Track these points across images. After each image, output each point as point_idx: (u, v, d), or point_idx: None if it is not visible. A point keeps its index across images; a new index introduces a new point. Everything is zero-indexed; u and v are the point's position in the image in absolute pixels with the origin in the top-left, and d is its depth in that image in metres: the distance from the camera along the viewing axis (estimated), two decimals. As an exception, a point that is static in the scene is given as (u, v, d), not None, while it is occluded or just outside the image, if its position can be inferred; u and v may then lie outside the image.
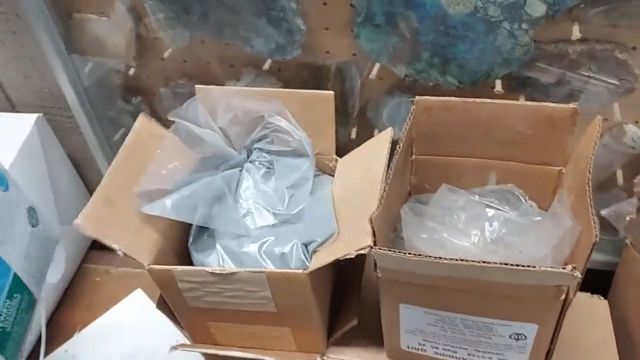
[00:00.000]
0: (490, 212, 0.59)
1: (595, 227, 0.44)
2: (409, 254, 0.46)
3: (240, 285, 0.57)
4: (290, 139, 0.64)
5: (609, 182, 0.70)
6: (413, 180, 0.68)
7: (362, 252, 0.51)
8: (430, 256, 0.45)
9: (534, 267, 0.43)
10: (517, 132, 0.59)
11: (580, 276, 0.42)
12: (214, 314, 0.63)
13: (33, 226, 0.75)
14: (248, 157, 0.68)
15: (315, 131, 0.65)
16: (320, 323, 0.63)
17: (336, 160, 0.67)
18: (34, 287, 0.68)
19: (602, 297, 0.70)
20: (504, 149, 0.62)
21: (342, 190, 0.62)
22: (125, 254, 0.57)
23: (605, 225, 0.72)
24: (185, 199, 0.60)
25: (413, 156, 0.66)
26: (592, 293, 0.71)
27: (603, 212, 0.66)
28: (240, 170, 0.66)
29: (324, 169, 0.68)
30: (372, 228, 0.49)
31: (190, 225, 0.64)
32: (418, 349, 0.61)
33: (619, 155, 0.66)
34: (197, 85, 0.67)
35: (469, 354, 0.59)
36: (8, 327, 0.63)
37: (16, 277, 0.65)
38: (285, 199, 0.62)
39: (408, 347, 0.61)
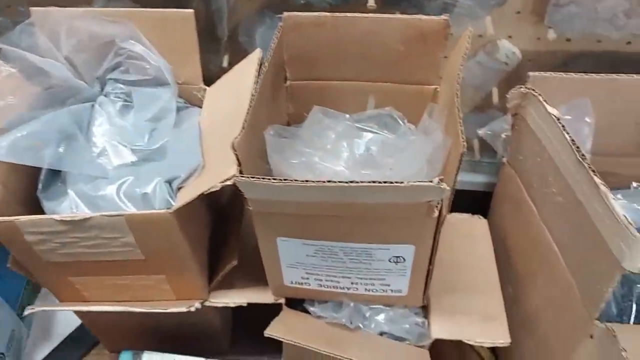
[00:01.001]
0: (367, 135, 0.56)
1: (462, 137, 0.42)
2: (274, 179, 0.42)
3: (97, 232, 0.51)
4: (147, 66, 0.56)
5: (485, 102, 0.70)
6: (291, 109, 0.64)
7: (227, 182, 0.46)
8: (296, 180, 0.42)
9: (402, 183, 0.40)
10: (391, 49, 0.56)
11: (448, 188, 0.40)
12: (74, 267, 0.56)
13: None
14: (102, 89, 0.60)
15: (177, 57, 0.59)
16: (197, 267, 0.58)
17: (204, 90, 0.61)
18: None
19: (482, 217, 0.72)
20: (379, 69, 0.59)
21: (210, 121, 0.56)
22: (-50, 207, 0.48)
23: (485, 146, 0.72)
24: (24, 139, 0.52)
25: (288, 82, 0.61)
26: (473, 214, 0.72)
27: (480, 132, 0.65)
28: (93, 105, 0.58)
29: (192, 100, 0.62)
30: (236, 155, 0.45)
31: (39, 170, 0.55)
32: (302, 283, 0.59)
33: (493, 73, 0.65)
34: (32, 8, 0.57)
35: (352, 283, 0.57)
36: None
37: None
38: (146, 133, 0.55)
39: (292, 282, 0.59)
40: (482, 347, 0.78)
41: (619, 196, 0.64)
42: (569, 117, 0.60)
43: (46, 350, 0.75)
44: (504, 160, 0.68)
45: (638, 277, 0.57)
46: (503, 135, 0.64)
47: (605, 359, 0.52)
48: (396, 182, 0.40)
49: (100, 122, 0.56)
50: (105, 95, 0.59)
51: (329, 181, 0.41)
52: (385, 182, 0.40)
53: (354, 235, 0.51)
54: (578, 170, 0.50)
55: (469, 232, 0.69)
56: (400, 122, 0.60)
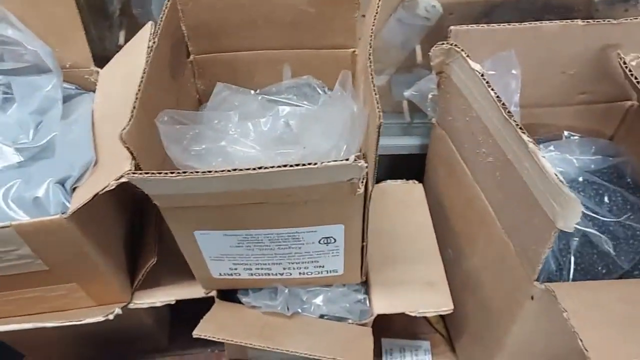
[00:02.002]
0: (284, 108, 0.51)
1: (378, 107, 0.38)
2: (172, 173, 0.37)
3: (-15, 247, 0.45)
4: (23, 52, 0.49)
5: (409, 61, 0.66)
6: (200, 86, 0.58)
7: (122, 180, 0.41)
8: (197, 172, 0.37)
9: (315, 164, 0.36)
10: (301, 11, 0.51)
11: (366, 165, 0.37)
12: (-32, 287, 0.50)
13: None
14: (-24, 83, 0.52)
15: (59, 39, 0.52)
16: (112, 270, 0.53)
17: (97, 73, 0.54)
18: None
19: (416, 182, 0.69)
20: (291, 34, 0.54)
21: (103, 108, 0.50)
22: None
23: (416, 107, 0.69)
24: None
25: (192, 56, 0.55)
26: (408, 179, 0.70)
27: (406, 94, 0.62)
28: (-34, 102, 0.50)
29: (86, 85, 0.55)
30: (128, 149, 0.39)
31: None
32: (231, 274, 0.54)
33: (414, 30, 0.61)
34: None
35: (284, 268, 0.53)
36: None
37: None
38: (30, 128, 0.48)
39: (220, 274, 0.55)
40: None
41: (551, 148, 0.62)
42: (495, 72, 0.57)
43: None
44: (434, 121, 0.65)
45: (575, 231, 0.55)
46: (430, 95, 0.61)
47: (547, 319, 0.52)
48: (309, 165, 0.36)
49: (-24, 120, 0.49)
50: (-19, 89, 0.51)
51: (234, 169, 0.36)
52: (297, 165, 0.36)
53: (278, 221, 0.46)
54: (505, 128, 0.47)
55: (405, 198, 0.67)
56: (320, 90, 0.56)
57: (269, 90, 0.57)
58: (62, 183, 0.46)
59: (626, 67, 0.56)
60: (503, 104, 0.47)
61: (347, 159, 0.36)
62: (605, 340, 0.44)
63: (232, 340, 0.50)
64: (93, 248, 0.48)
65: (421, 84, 0.61)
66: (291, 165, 0.36)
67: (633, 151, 0.62)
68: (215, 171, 0.37)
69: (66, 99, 0.53)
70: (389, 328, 0.75)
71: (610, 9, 0.61)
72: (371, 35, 0.43)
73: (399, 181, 0.68)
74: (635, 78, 0.56)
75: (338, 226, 0.48)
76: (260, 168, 0.36)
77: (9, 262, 0.47)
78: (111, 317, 0.52)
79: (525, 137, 0.44)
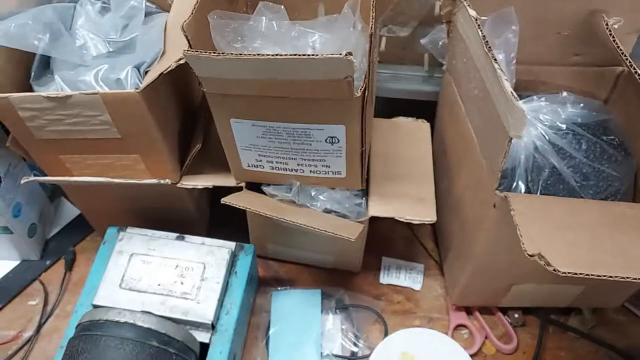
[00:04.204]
0: (314, 35, 0.64)
1: (372, 22, 0.50)
2: (214, 53, 0.51)
3: (79, 109, 0.60)
4: (121, -29, 0.65)
5: (432, 16, 0.77)
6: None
7: (181, 62, 0.56)
8: (231, 54, 0.50)
9: (315, 55, 0.49)
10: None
11: (355, 61, 0.49)
12: (62, 145, 0.66)
13: None
14: (85, -7, 0.68)
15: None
16: (167, 149, 0.67)
17: (174, -3, 0.69)
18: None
19: (425, 121, 0.80)
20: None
21: (175, 17, 0.65)
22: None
23: (435, 61, 0.80)
24: (16, 28, 0.61)
25: (242, -12, 0.69)
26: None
27: (422, 41, 0.73)
28: (75, 7, 0.67)
29: (165, 7, 0.70)
30: (186, 37, 0.53)
31: (31, 63, 0.65)
32: (257, 166, 0.68)
33: (434, -16, 0.72)
34: None
35: (298, 164, 0.66)
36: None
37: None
38: (119, 28, 0.64)
39: (248, 165, 0.68)
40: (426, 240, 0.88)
41: (542, 99, 0.71)
42: (496, 26, 0.67)
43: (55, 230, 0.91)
44: (444, 68, 0.75)
45: (545, 162, 0.65)
46: (440, 43, 0.72)
47: (504, 221, 0.61)
48: (311, 55, 0.49)
49: (81, 19, 0.65)
50: (87, -2, 0.68)
51: (257, 54, 0.50)
52: (301, 55, 0.49)
53: (293, 116, 0.59)
54: (486, 61, 0.58)
55: (412, 132, 0.78)
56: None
57: (304, 24, 0.70)
58: (137, 68, 0.61)
59: (609, 32, 0.65)
60: (486, 41, 0.58)
61: (340, 53, 0.48)
62: (541, 234, 0.53)
63: (248, 208, 0.64)
64: (154, 124, 0.63)
65: (434, 33, 0.72)
66: (296, 55, 0.49)
67: (624, 116, 0.69)
68: (244, 54, 0.50)
69: (148, 14, 0.68)
70: (391, 252, 0.87)
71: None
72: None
73: (410, 119, 0.79)
74: (618, 45, 0.64)
75: (340, 126, 0.60)
76: (274, 55, 0.50)
77: (93, 126, 0.63)
78: (162, 182, 0.67)
79: (496, 65, 0.55)
